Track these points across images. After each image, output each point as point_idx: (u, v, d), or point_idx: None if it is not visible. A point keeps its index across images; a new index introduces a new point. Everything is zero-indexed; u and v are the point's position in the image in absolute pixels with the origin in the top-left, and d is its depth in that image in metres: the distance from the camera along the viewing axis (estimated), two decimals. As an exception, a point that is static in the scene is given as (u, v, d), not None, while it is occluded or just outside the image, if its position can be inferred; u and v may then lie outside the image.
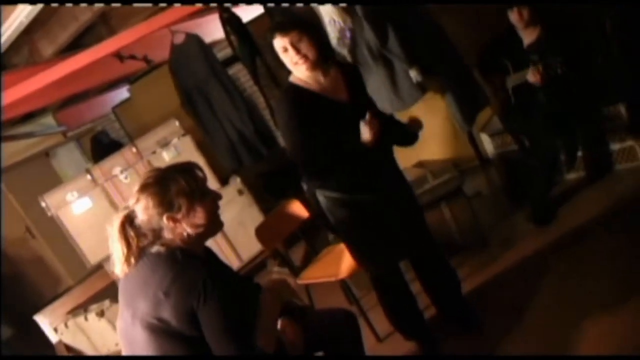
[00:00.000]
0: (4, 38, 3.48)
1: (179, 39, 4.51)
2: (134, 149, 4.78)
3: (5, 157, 6.41)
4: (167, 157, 4.81)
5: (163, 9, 3.98)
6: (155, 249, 1.94)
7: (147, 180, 1.95)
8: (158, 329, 1.85)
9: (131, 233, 1.92)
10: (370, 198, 2.66)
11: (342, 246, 3.55)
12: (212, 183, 4.88)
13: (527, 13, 3.55)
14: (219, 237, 4.83)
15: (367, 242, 2.75)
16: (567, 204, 3.74)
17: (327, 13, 3.92)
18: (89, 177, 4.63)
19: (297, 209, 3.67)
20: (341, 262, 3.33)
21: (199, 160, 4.85)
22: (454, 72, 4.03)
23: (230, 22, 4.43)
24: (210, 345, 1.85)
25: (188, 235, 1.98)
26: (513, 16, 3.60)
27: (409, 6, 3.85)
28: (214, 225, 2.07)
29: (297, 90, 2.56)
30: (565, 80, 3.42)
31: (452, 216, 3.69)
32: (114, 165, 4.72)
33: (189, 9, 3.86)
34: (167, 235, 1.96)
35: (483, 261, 3.53)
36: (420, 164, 4.48)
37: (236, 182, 5.01)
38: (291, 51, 2.44)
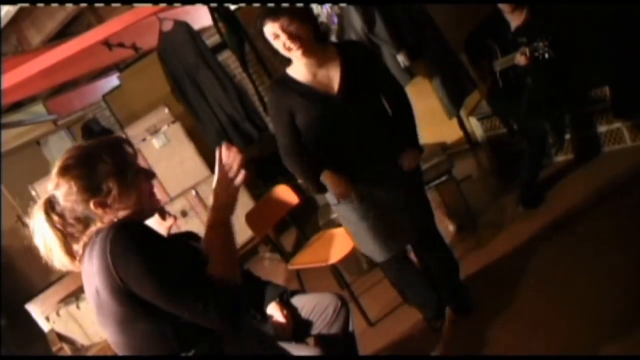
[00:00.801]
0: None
1: (168, 26, 4.50)
2: (123, 137, 4.77)
3: (-6, 146, 6.39)
4: (156, 145, 4.81)
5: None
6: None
7: (68, 161, 1.64)
8: (112, 318, 1.59)
9: (57, 219, 1.63)
10: (363, 191, 2.60)
11: (332, 231, 3.59)
12: (202, 170, 4.90)
13: None
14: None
15: (367, 235, 2.70)
16: (555, 187, 3.76)
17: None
18: (79, 165, 4.63)
19: (287, 194, 3.68)
20: (332, 247, 3.37)
21: (189, 146, 4.86)
22: (441, 56, 4.05)
23: (218, 9, 4.42)
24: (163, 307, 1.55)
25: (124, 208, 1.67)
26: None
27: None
28: (150, 207, 1.77)
29: (286, 83, 2.52)
30: (552, 63, 3.43)
31: (442, 200, 3.72)
32: (104, 153, 4.71)
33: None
34: (96, 225, 1.64)
35: (472, 245, 3.56)
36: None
37: (227, 168, 5.01)
38: (283, 36, 2.37)
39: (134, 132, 4.83)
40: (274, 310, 2.50)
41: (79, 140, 7.69)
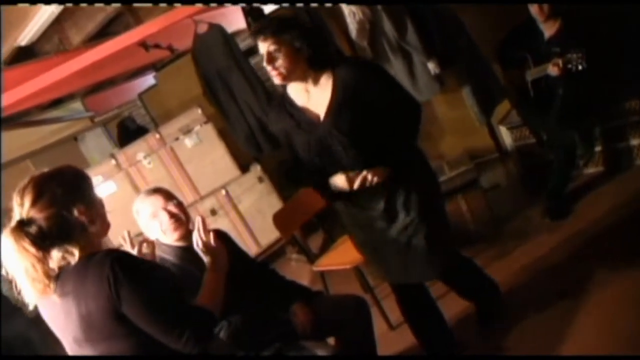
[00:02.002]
0: (36, 27, 3.60)
1: (202, 28, 4.58)
2: (157, 135, 4.90)
3: (34, 141, 6.56)
4: (189, 144, 4.91)
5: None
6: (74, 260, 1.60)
7: (46, 175, 1.67)
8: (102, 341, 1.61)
9: (31, 248, 1.53)
10: (366, 213, 2.46)
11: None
12: (232, 169, 4.98)
13: (547, 6, 3.54)
14: (237, 222, 4.93)
15: (372, 258, 2.64)
16: (584, 199, 3.73)
17: (347, 5, 3.96)
18: (113, 162, 4.76)
19: (315, 196, 3.71)
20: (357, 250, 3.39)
21: (219, 147, 4.95)
22: (472, 64, 4.05)
23: (252, 13, 4.49)
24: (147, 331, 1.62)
25: (96, 238, 1.70)
26: (533, 9, 3.59)
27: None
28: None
29: (283, 102, 2.45)
30: (584, 75, 3.41)
31: (468, 207, 3.73)
32: (138, 150, 4.83)
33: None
34: (77, 238, 1.61)
35: (496, 254, 3.54)
36: (439, 156, 4.52)
37: (256, 169, 5.09)
38: (265, 58, 2.27)
39: (167, 131, 4.93)
40: (297, 310, 2.55)
41: (115, 137, 7.88)
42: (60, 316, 1.62)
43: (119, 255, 1.62)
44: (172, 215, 2.45)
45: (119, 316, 1.57)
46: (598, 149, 3.94)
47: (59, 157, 7.60)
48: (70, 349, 1.66)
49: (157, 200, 2.46)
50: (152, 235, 2.46)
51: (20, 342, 4.22)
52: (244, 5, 4.50)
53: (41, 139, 6.70)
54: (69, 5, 3.58)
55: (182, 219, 2.48)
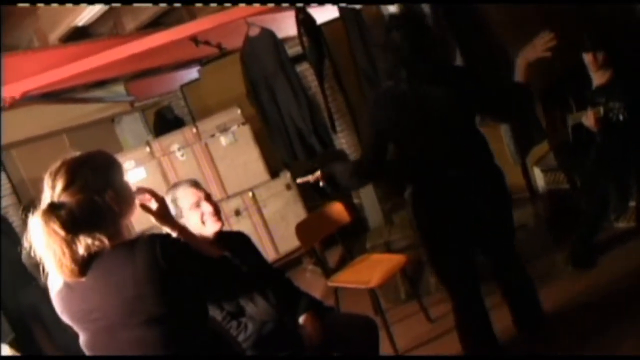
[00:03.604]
0: (94, 10, 3.69)
1: (254, 31, 4.64)
2: (194, 130, 4.96)
3: (73, 117, 6.68)
4: (224, 142, 4.97)
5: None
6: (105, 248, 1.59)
7: (80, 159, 1.68)
8: (142, 325, 1.61)
9: (61, 232, 1.53)
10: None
11: (378, 256, 3.64)
12: (263, 174, 5.02)
13: (602, 56, 3.51)
14: (260, 226, 4.96)
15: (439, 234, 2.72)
16: (610, 253, 3.67)
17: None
18: (147, 149, 4.83)
19: (340, 211, 3.74)
20: (374, 271, 3.40)
21: (254, 149, 5.00)
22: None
23: (305, 23, 4.53)
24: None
25: (125, 225, 1.70)
26: (587, 57, 3.56)
27: (476, 28, 3.88)
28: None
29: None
30: (626, 127, 3.38)
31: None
32: (173, 142, 4.90)
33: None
34: (107, 224, 1.61)
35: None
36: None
37: (286, 176, 5.12)
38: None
39: (204, 127, 5.00)
40: (307, 321, 2.56)
41: (151, 124, 7.99)
42: (89, 302, 1.61)
43: (167, 235, 1.70)
44: (214, 207, 2.57)
45: (167, 286, 1.59)
46: (632, 204, 3.88)
47: (94, 135, 7.73)
48: (94, 337, 1.65)
49: (200, 192, 2.56)
50: (188, 224, 2.51)
51: (31, 312, 4.29)
52: (298, 12, 4.54)
53: (80, 116, 6.82)
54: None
55: (220, 214, 2.60)
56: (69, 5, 3.62)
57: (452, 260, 2.74)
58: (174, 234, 1.79)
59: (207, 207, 2.54)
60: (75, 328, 1.68)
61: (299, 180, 3.10)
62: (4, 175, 6.84)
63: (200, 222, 2.53)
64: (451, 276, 2.79)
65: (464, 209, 2.61)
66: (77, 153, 1.70)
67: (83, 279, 1.57)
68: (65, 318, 1.68)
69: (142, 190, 1.79)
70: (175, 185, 2.63)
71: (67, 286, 1.62)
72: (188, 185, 2.58)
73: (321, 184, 2.91)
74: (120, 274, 1.57)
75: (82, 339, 1.68)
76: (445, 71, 2.67)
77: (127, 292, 1.57)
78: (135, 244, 1.61)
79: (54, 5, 3.65)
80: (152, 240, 1.60)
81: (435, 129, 2.57)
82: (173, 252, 1.61)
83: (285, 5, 4.27)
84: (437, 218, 2.66)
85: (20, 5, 3.57)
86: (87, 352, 1.68)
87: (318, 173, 2.90)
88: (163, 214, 1.81)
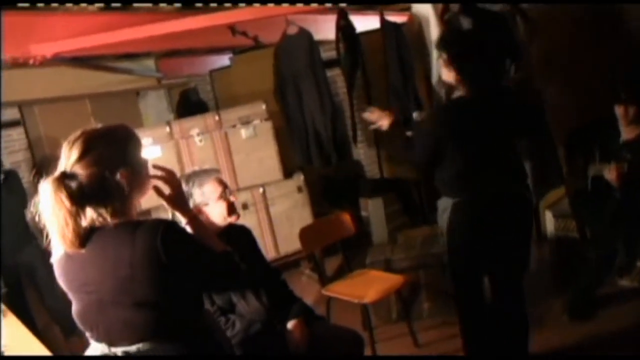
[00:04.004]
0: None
1: (293, 30, 4.64)
2: (216, 117, 4.96)
3: (98, 84, 6.70)
4: (243, 135, 4.96)
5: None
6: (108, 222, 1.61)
7: (99, 131, 1.67)
8: (134, 304, 1.61)
9: (67, 202, 1.54)
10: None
11: (376, 273, 3.62)
12: (277, 172, 5.01)
13: (634, 111, 3.49)
14: (264, 223, 4.95)
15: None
16: (609, 309, 3.63)
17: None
18: (167, 129, 4.84)
19: (346, 222, 3.73)
20: (370, 287, 3.38)
21: (272, 146, 4.99)
22: (539, 142, 4.01)
23: (345, 29, 4.53)
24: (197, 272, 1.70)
25: (133, 204, 1.70)
26: (619, 110, 3.54)
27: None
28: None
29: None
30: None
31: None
32: (194, 126, 4.90)
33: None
34: (114, 201, 1.62)
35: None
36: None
37: (299, 178, 5.11)
38: None
39: (227, 117, 4.99)
40: (296, 327, 2.55)
41: (174, 103, 8.03)
42: (86, 274, 1.62)
43: (172, 223, 1.67)
44: (236, 200, 2.65)
45: (162, 274, 1.58)
46: (639, 264, 3.83)
47: (117, 106, 7.78)
48: (85, 309, 1.66)
49: (224, 184, 2.61)
50: (211, 213, 2.55)
51: (27, 271, 4.30)
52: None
53: (106, 84, 6.84)
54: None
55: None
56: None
57: (475, 275, 2.86)
58: (184, 221, 1.78)
59: (232, 200, 2.60)
60: (70, 296, 1.69)
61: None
62: (20, 130, 6.89)
63: (224, 213, 2.56)
64: (470, 289, 2.89)
65: (498, 228, 2.72)
66: (99, 125, 1.70)
67: (83, 251, 1.58)
68: (62, 284, 1.69)
69: (159, 168, 1.77)
70: (202, 173, 2.62)
71: (67, 255, 1.63)
72: (215, 175, 2.60)
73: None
74: (118, 253, 1.57)
75: (75, 308, 1.69)
76: (507, 89, 2.81)
77: (122, 272, 1.57)
78: (139, 226, 1.60)
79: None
80: (156, 225, 1.60)
81: (491, 144, 2.71)
82: (174, 241, 1.61)
83: (328, 6, 4.27)
84: (475, 231, 2.75)
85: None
86: (77, 321, 1.69)
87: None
88: (176, 199, 1.79)
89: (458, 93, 2.75)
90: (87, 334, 1.69)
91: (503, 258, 2.81)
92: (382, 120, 3.00)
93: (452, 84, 2.76)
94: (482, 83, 2.67)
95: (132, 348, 1.61)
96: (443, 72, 2.78)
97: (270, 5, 3.90)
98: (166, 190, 1.76)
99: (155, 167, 1.77)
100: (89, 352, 1.69)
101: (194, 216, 1.82)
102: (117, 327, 1.62)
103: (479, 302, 2.91)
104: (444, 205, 2.82)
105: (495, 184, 2.72)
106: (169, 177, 1.77)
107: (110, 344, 1.64)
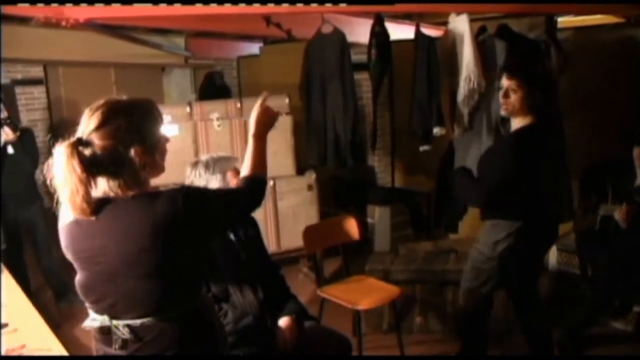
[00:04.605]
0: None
1: (327, 28, 4.64)
2: (238, 104, 4.97)
3: (126, 54, 6.73)
4: (263, 126, 4.96)
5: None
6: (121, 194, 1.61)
7: (121, 103, 1.67)
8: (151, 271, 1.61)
9: (78, 168, 1.53)
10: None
11: (374, 280, 3.62)
12: (289, 168, 5.01)
13: None
14: (270, 216, 4.96)
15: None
16: (599, 348, 3.61)
17: (468, 69, 3.97)
18: (187, 109, 4.85)
19: (352, 227, 3.73)
20: (366, 294, 3.39)
21: (289, 141, 4.98)
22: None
23: (379, 36, 4.52)
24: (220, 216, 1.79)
25: (145, 179, 1.69)
26: (637, 152, 3.53)
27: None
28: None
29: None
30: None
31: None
32: (214, 110, 4.91)
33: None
34: (124, 175, 1.62)
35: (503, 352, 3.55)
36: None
37: (310, 177, 5.10)
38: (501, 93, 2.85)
39: (248, 105, 5.00)
40: (287, 325, 2.56)
41: (198, 84, 8.06)
42: (96, 243, 1.61)
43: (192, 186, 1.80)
44: None
45: (180, 238, 1.62)
46: (636, 309, 3.82)
47: (141, 79, 7.83)
48: (91, 278, 1.65)
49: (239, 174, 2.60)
50: None
51: (27, 229, 4.34)
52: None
53: (133, 56, 6.86)
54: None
55: None
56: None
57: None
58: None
59: None
60: (75, 265, 1.68)
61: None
62: (42, 89, 6.95)
63: None
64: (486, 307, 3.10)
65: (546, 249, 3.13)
66: (123, 96, 1.70)
67: (93, 219, 1.58)
68: (67, 253, 1.68)
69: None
70: (224, 160, 2.66)
71: (76, 223, 1.62)
72: (235, 163, 2.66)
73: None
74: (135, 222, 1.58)
75: (79, 278, 1.68)
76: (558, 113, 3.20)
77: (138, 241, 1.57)
78: (158, 195, 1.62)
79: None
80: (177, 190, 1.64)
81: (553, 170, 2.89)
82: (196, 195, 1.69)
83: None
84: (535, 252, 3.00)
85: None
86: (80, 291, 1.68)
87: None
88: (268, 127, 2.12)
89: (519, 120, 2.81)
90: (89, 305, 1.68)
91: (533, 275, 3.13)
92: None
93: (513, 111, 2.80)
94: (549, 109, 2.81)
95: (136, 322, 1.61)
96: (503, 100, 2.81)
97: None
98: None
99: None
100: (87, 323, 1.68)
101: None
102: (122, 297, 1.62)
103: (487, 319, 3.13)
104: (502, 227, 2.86)
105: (554, 207, 2.95)
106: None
107: (113, 316, 1.63)
